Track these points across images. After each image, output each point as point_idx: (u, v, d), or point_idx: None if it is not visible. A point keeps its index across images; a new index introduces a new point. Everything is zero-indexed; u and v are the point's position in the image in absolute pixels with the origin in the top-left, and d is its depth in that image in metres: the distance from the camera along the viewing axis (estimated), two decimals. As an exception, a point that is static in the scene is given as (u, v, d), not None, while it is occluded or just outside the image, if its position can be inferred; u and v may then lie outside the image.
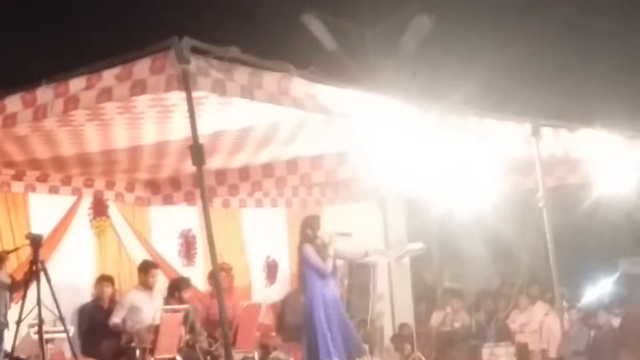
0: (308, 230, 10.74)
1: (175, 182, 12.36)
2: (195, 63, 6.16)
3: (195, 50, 6.19)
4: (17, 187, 10.97)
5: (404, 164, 10.02)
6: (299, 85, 6.87)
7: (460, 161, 10.17)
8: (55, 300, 8.46)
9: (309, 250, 10.57)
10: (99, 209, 11.97)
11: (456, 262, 16.86)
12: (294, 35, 15.02)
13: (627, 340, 2.84)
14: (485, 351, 13.98)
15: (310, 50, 15.08)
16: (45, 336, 8.78)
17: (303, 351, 10.60)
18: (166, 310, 10.82)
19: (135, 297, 11.30)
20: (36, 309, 8.38)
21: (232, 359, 7.15)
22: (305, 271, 10.56)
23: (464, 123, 8.49)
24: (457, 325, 14.68)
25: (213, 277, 10.67)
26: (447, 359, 13.74)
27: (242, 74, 6.54)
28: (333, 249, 10.70)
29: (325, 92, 7.06)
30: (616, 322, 11.99)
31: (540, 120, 9.23)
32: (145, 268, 11.52)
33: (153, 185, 12.55)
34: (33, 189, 11.14)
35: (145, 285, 11.40)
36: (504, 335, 14.08)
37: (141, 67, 6.29)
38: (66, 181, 11.51)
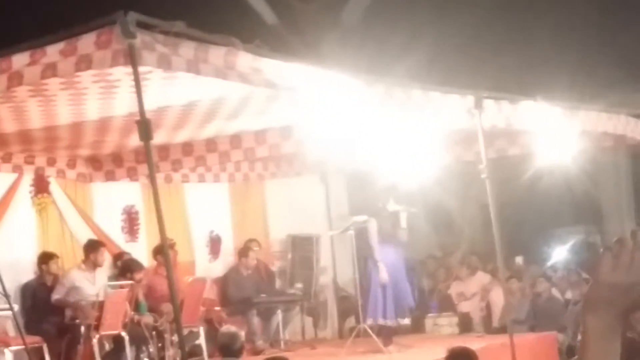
0: None
1: (117, 158, 12.25)
2: (140, 38, 6.14)
3: (141, 25, 6.16)
4: (-43, 166, 10.84)
5: (348, 137, 10.10)
6: (245, 60, 6.87)
7: (403, 134, 10.26)
8: (0, 277, 8.36)
9: None
10: (40, 186, 11.82)
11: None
12: (232, 10, 14.91)
13: (596, 306, 2.89)
14: (428, 321, 14.13)
15: (250, 25, 14.99)
16: (-11, 314, 8.72)
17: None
18: (111, 287, 10.76)
19: (77, 277, 11.20)
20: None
21: (182, 334, 7.15)
22: None
23: (408, 96, 8.56)
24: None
25: (161, 254, 10.64)
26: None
27: (187, 49, 6.53)
28: None
29: (271, 67, 7.07)
30: (574, 288, 12.14)
31: (483, 93, 9.34)
32: (94, 247, 11.41)
33: (95, 162, 12.43)
34: (-27, 168, 11.01)
35: (91, 264, 11.32)
36: (446, 305, 14.22)
37: (86, 42, 6.25)
38: (6, 158, 11.34)
